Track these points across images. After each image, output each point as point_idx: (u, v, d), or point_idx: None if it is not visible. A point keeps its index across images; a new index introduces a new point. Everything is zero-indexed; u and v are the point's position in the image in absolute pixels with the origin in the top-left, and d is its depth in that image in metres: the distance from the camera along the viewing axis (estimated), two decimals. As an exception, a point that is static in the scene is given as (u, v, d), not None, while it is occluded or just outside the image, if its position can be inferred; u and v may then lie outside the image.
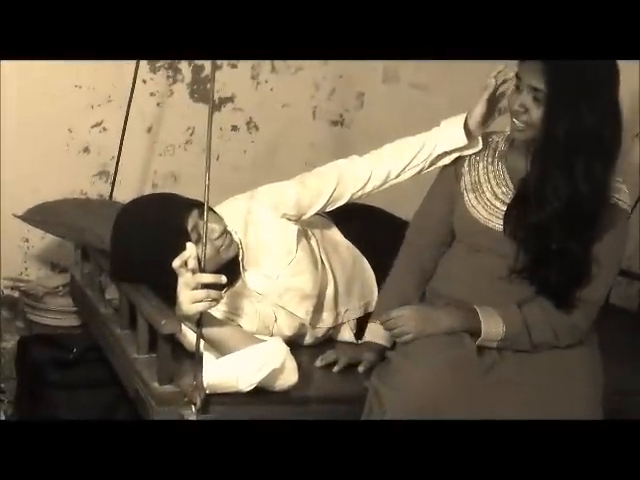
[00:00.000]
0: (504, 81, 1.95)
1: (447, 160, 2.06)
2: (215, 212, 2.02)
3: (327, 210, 2.19)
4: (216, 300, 1.76)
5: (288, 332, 2.07)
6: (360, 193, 2.16)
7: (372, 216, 2.42)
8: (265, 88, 3.07)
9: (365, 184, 2.14)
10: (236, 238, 2.05)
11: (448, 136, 2.03)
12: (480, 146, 2.00)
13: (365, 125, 3.17)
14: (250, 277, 2.07)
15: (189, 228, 1.92)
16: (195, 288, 1.73)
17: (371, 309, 2.18)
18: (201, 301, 1.73)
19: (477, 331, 1.83)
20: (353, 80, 3.14)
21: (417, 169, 2.12)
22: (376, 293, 2.22)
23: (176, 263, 1.75)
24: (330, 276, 2.16)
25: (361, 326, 2.17)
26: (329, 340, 2.19)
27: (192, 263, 1.74)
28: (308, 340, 2.16)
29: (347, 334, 2.21)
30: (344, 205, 2.19)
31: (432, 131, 2.09)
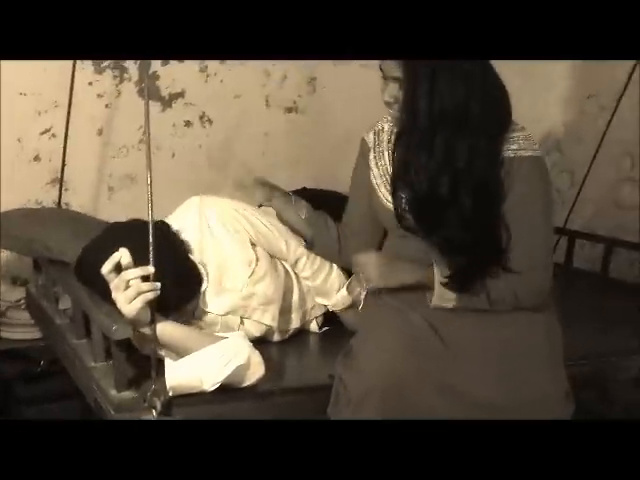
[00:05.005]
0: None
1: None
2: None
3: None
4: (152, 291, 1.68)
5: (256, 334, 2.06)
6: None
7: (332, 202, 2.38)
8: (215, 80, 3.03)
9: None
10: (204, 272, 2.00)
11: None
12: None
13: (320, 109, 3.15)
14: (213, 301, 2.02)
15: None
16: (126, 288, 1.68)
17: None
18: (135, 297, 1.67)
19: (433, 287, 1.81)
20: (304, 65, 3.10)
21: None
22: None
23: (105, 269, 1.70)
24: (295, 282, 2.15)
25: (326, 317, 2.22)
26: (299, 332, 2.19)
27: (128, 270, 1.68)
28: (276, 338, 2.14)
29: (313, 326, 2.22)
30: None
31: None
